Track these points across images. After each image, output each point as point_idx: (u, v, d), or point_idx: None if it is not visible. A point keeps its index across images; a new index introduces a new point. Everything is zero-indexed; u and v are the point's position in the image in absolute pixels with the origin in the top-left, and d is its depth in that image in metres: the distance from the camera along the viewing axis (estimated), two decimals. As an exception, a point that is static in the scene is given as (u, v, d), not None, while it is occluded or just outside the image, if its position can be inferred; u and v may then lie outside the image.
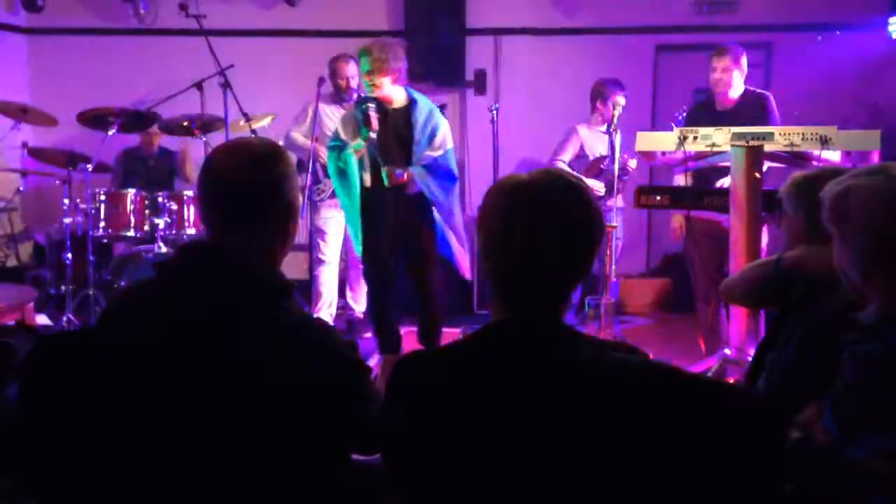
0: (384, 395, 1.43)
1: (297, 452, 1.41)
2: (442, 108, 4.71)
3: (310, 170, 5.18)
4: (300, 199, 1.64)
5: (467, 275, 4.46)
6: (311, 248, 5.43)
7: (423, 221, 4.22)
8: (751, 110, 4.45)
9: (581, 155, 5.33)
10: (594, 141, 5.27)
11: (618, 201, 5.20)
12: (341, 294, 5.73)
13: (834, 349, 1.49)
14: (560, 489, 1.23)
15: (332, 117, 5.18)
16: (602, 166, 5.10)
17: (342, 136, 4.23)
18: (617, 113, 4.84)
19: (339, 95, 5.31)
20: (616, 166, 4.74)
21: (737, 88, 4.51)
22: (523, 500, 1.24)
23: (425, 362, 1.44)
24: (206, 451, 1.37)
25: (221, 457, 1.37)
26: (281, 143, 3.07)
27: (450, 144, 4.25)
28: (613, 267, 4.92)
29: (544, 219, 1.32)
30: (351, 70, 5.19)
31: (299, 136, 5.33)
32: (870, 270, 1.45)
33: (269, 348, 1.41)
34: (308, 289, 5.37)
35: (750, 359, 2.91)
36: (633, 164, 5.15)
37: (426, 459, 1.34)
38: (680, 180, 4.58)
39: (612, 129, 4.82)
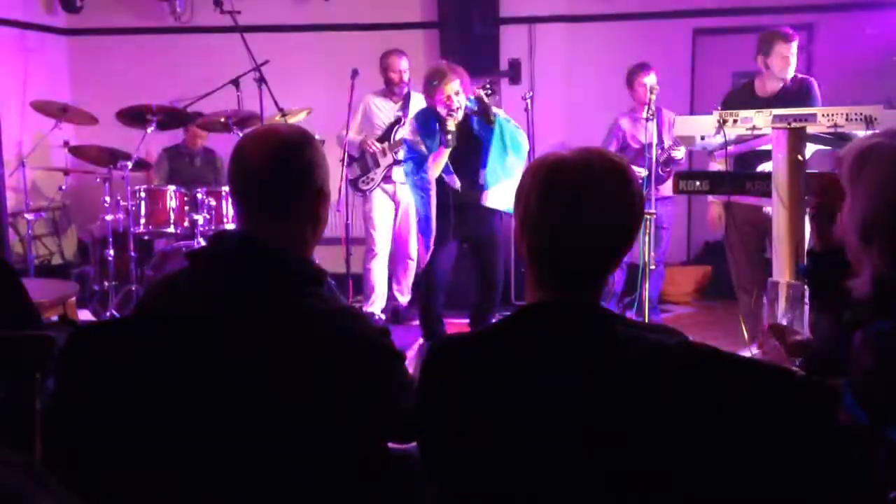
0: (419, 376, 1.41)
1: (330, 441, 1.40)
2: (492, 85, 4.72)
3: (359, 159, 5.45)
4: (329, 184, 1.62)
5: None
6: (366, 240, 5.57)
7: (491, 215, 4.44)
8: (794, 96, 4.31)
9: (625, 146, 5.28)
10: (637, 130, 5.25)
11: (664, 190, 5.13)
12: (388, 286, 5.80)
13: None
14: (599, 469, 1.20)
15: (382, 109, 5.46)
16: (647, 155, 5.05)
17: (422, 147, 4.33)
18: (653, 97, 4.77)
19: (389, 89, 5.49)
20: (654, 153, 4.67)
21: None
22: (560, 481, 1.22)
23: (461, 343, 1.41)
24: (240, 440, 1.37)
25: (255, 445, 1.37)
26: (317, 136, 3.11)
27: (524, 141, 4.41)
28: (653, 255, 4.85)
29: (583, 196, 1.29)
30: (402, 64, 5.43)
31: (353, 134, 5.55)
32: (871, 234, 1.41)
33: (300, 336, 1.40)
34: (344, 282, 5.37)
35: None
36: (678, 154, 5.08)
37: (460, 442, 1.32)
38: (717, 166, 4.49)
39: (649, 115, 4.75)
